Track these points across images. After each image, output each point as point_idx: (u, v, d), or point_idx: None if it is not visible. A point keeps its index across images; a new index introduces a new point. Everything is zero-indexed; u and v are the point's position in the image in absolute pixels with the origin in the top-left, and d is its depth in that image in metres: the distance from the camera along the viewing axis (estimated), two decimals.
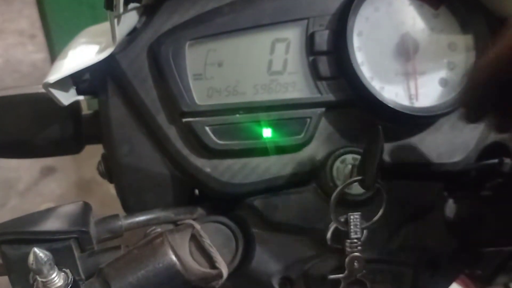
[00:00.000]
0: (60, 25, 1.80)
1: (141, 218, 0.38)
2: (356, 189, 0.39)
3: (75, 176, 2.02)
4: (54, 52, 1.86)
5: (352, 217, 0.38)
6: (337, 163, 0.40)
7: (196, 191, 0.45)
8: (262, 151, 0.40)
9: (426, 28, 0.43)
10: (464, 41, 0.43)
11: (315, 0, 0.41)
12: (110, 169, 0.43)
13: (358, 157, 0.40)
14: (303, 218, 0.40)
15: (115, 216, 0.38)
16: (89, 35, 0.43)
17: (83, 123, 0.45)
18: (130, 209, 0.42)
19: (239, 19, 0.41)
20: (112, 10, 0.33)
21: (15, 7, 3.05)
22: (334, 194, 0.38)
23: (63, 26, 1.77)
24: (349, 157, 0.40)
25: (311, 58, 0.41)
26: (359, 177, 0.37)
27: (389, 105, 0.40)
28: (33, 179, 2.00)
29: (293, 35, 0.41)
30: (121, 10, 0.34)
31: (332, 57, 0.41)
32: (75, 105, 0.44)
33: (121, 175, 0.41)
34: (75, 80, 0.41)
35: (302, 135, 0.41)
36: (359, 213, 0.38)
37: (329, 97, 0.41)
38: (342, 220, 0.39)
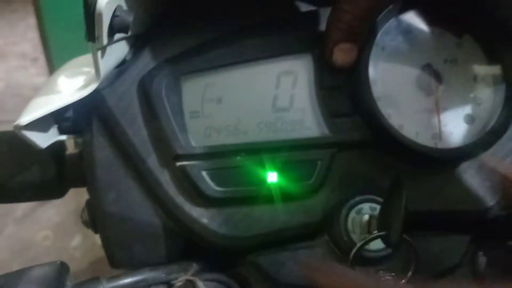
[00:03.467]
0: (61, 48, 1.78)
1: (127, 280, 0.33)
2: (375, 243, 0.34)
3: (74, 203, 1.97)
4: None
5: None
6: (352, 213, 0.35)
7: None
8: (267, 198, 0.36)
9: (449, 58, 0.39)
10: (491, 73, 0.39)
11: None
12: (95, 218, 0.38)
13: (377, 206, 0.35)
14: None
15: (96, 280, 0.33)
16: (72, 68, 0.38)
17: (67, 164, 0.41)
18: (116, 263, 0.37)
19: (241, 50, 0.37)
20: (94, 41, 0.29)
21: (18, 30, 3.05)
22: (352, 254, 0.33)
23: (64, 49, 1.75)
24: (366, 207, 0.35)
25: (321, 93, 0.37)
26: (382, 233, 0.32)
27: (410, 146, 0.36)
28: (30, 205, 1.95)
29: (301, 67, 0.37)
30: (105, 41, 0.30)
31: (344, 92, 0.37)
32: (58, 144, 0.40)
33: (106, 224, 0.37)
34: (57, 118, 0.37)
35: (312, 179, 0.36)
36: (391, 274, 0.33)
37: (342, 136, 0.37)
38: None
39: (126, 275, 0.33)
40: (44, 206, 1.97)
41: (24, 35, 3.00)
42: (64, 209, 1.96)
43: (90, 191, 0.38)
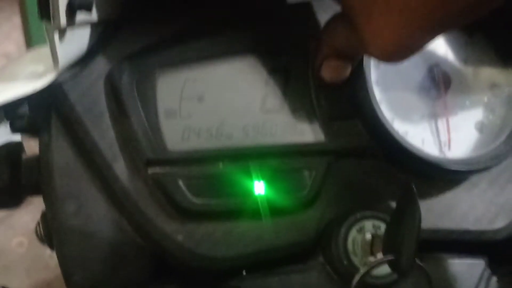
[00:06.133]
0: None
1: None
2: (379, 268, 0.29)
3: None
4: None
5: None
6: (353, 232, 0.31)
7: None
8: (252, 213, 0.31)
9: (458, 59, 0.36)
10: (505, 75, 0.36)
11: (321, 23, 0.33)
12: (51, 232, 0.33)
13: (381, 224, 0.31)
14: None
15: None
16: (28, 59, 0.33)
17: (23, 169, 0.35)
18: (74, 286, 0.32)
19: (227, 42, 0.33)
20: (49, 19, 0.24)
21: (3, 30, 2.98)
22: (355, 282, 0.28)
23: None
24: (368, 224, 0.31)
25: (316, 93, 0.33)
26: (391, 257, 0.27)
27: (416, 154, 0.32)
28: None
29: (294, 64, 0.33)
30: (63, 20, 0.25)
31: (343, 93, 0.33)
32: (13, 145, 0.34)
33: (64, 240, 0.32)
34: (8, 114, 0.31)
35: (306, 191, 0.32)
36: None
37: (340, 142, 0.33)
38: None
39: None
40: (20, 211, 1.90)
41: (8, 35, 2.93)
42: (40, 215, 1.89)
43: (46, 202, 0.32)
